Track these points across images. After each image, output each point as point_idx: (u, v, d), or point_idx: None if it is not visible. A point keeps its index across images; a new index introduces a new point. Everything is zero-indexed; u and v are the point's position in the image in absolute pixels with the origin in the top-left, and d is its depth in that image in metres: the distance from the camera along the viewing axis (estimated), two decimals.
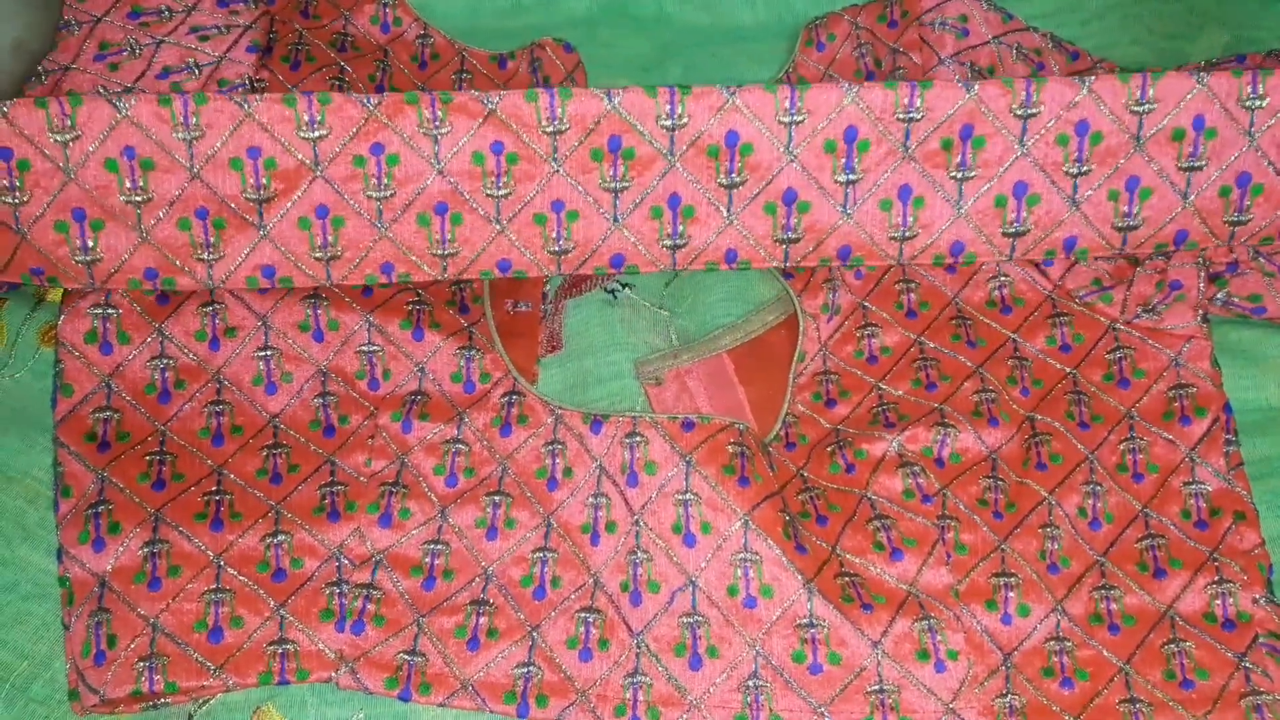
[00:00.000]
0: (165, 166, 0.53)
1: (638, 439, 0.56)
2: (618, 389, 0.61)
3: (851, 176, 0.55)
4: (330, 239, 0.55)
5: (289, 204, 0.54)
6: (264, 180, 0.53)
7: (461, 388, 0.58)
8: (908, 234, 0.57)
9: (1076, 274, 0.62)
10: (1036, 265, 0.62)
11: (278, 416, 0.58)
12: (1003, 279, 0.63)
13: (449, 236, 0.55)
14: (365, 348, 0.59)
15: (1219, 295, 0.60)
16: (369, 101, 0.53)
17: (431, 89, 0.69)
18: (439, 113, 0.53)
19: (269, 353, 0.58)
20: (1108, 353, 0.61)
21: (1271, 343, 0.62)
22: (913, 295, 0.63)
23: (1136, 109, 0.55)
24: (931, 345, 0.61)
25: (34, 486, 0.56)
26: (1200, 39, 0.74)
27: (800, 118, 0.54)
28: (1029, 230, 0.57)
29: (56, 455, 0.55)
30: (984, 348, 0.61)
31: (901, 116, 0.54)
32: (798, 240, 0.57)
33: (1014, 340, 0.61)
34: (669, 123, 0.54)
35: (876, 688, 0.52)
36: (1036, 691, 0.52)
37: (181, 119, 0.53)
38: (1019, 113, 0.55)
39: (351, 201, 0.54)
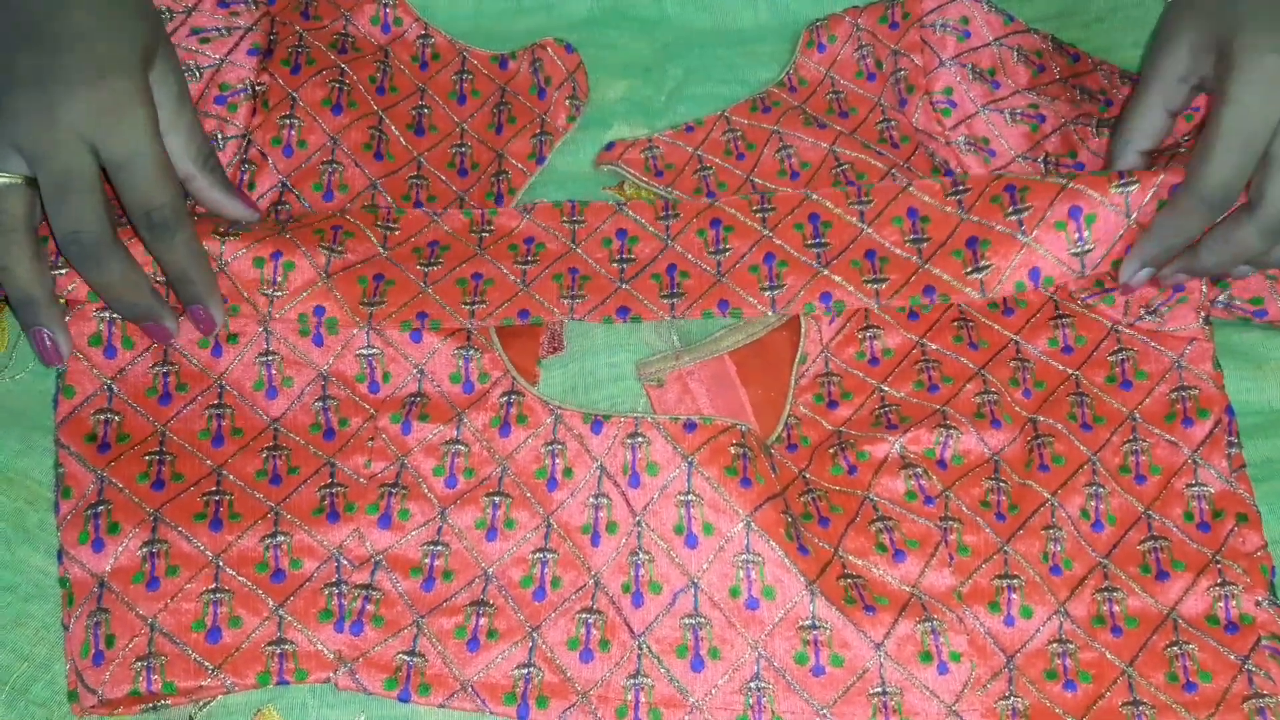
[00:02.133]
0: None
1: (639, 439, 0.56)
2: (619, 390, 0.61)
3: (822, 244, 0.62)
4: (381, 292, 0.59)
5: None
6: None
7: (460, 388, 0.58)
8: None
9: None
10: None
11: (278, 420, 0.57)
12: None
13: (480, 294, 0.60)
14: (365, 351, 0.58)
15: (1221, 297, 0.60)
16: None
17: (432, 90, 0.69)
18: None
19: (270, 358, 0.58)
20: (1110, 354, 0.61)
21: (1273, 345, 0.62)
22: None
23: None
24: (933, 347, 0.61)
25: (34, 488, 0.56)
26: None
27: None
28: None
29: (57, 456, 0.55)
30: (986, 349, 0.61)
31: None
32: (782, 290, 0.61)
33: (1016, 342, 0.61)
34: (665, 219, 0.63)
35: (879, 690, 0.52)
36: (1039, 694, 0.52)
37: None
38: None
39: (409, 274, 0.60)
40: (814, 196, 0.62)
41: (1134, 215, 0.57)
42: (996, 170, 0.66)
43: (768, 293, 0.60)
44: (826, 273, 0.61)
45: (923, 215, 0.61)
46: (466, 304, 0.59)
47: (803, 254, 0.61)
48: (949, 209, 0.61)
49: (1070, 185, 0.58)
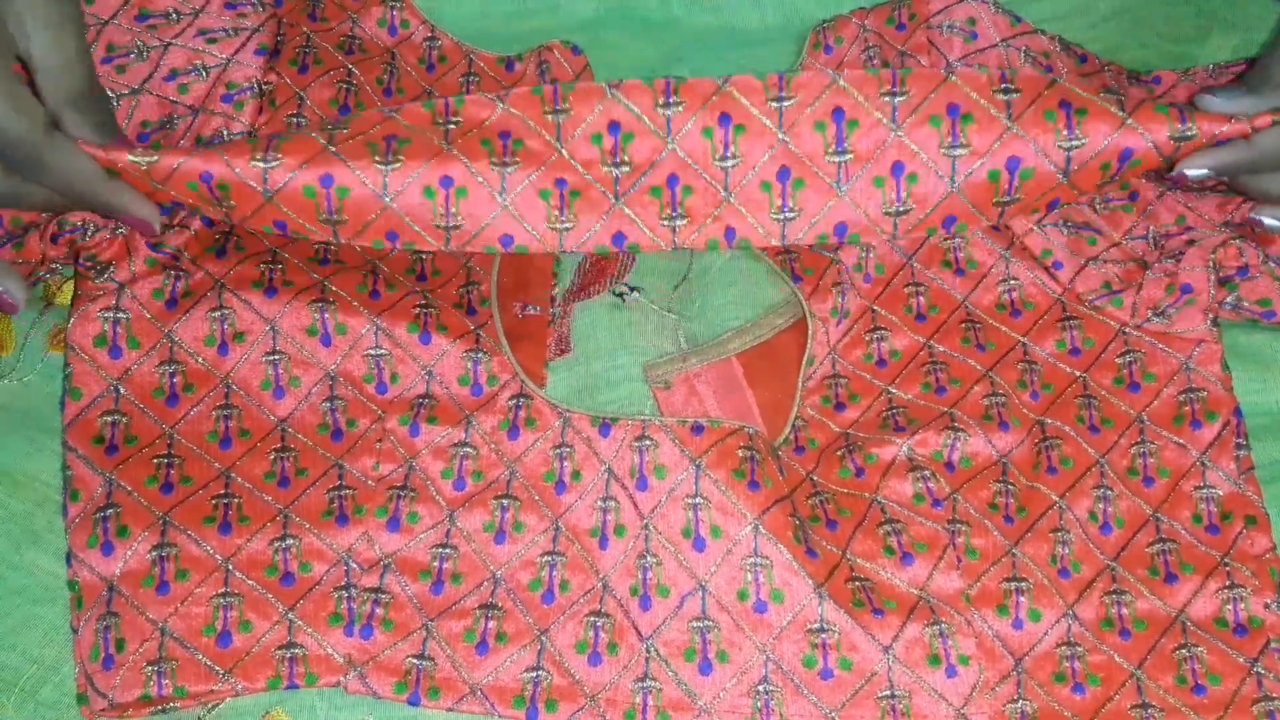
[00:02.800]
0: None
1: (647, 442, 0.56)
2: (626, 392, 0.61)
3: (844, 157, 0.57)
4: (335, 206, 0.55)
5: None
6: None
7: (469, 390, 0.58)
8: (902, 209, 0.57)
9: (1086, 277, 0.62)
10: (1046, 269, 0.62)
11: (285, 421, 0.57)
12: (1012, 282, 0.63)
13: (453, 209, 0.56)
14: (373, 351, 0.58)
15: (1229, 299, 0.60)
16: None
17: (438, 92, 0.69)
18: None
19: (277, 357, 0.58)
20: (1118, 356, 0.61)
21: None
22: (922, 299, 0.63)
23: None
24: (941, 349, 0.61)
25: (42, 490, 0.56)
26: (1209, 42, 0.74)
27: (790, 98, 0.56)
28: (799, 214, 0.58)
29: (65, 459, 0.55)
30: (993, 351, 0.61)
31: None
32: (795, 218, 0.57)
33: (1024, 344, 0.61)
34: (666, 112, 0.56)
35: (887, 693, 0.52)
36: (1048, 697, 0.52)
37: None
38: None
39: (358, 172, 0.55)
40: (841, 82, 0.55)
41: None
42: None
43: (778, 219, 0.57)
44: (845, 196, 0.56)
45: (964, 112, 0.56)
46: (440, 225, 0.56)
47: (822, 168, 0.56)
48: (996, 110, 0.56)
49: (1128, 123, 0.55)
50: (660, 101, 0.56)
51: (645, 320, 0.63)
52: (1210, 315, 0.60)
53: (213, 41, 0.63)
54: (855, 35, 0.71)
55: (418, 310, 0.59)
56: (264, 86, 0.63)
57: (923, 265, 0.64)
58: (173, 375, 0.57)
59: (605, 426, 0.57)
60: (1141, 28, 0.74)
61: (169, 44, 0.62)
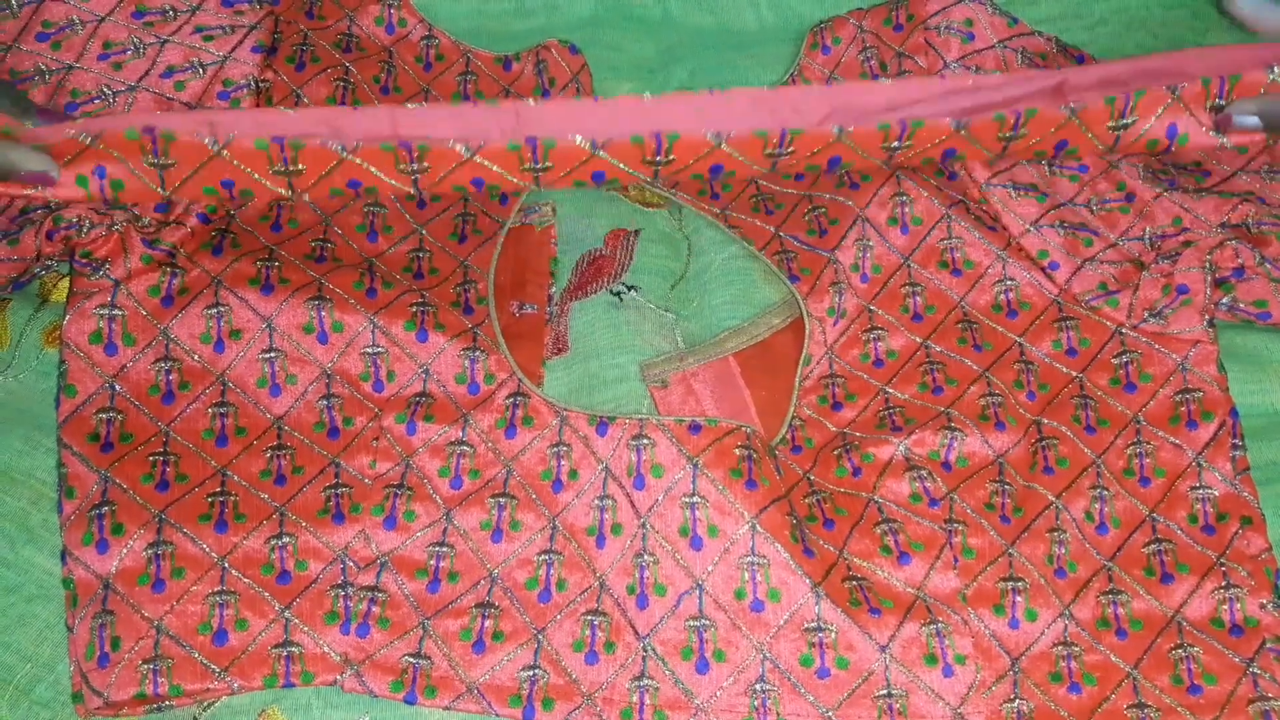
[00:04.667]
0: None
1: (644, 441, 0.56)
2: (623, 391, 0.60)
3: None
4: (290, 157, 0.52)
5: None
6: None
7: (466, 389, 0.58)
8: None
9: (1083, 278, 0.62)
10: (1042, 269, 0.62)
11: (282, 419, 0.57)
12: (1008, 283, 0.63)
13: (417, 157, 0.52)
14: (369, 349, 0.58)
15: (1225, 300, 0.60)
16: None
17: (436, 90, 0.69)
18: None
19: (273, 355, 0.58)
20: (1114, 357, 0.61)
21: (1277, 347, 0.62)
22: (918, 299, 0.63)
23: None
24: (938, 349, 0.61)
25: (37, 488, 0.55)
26: (1205, 42, 0.74)
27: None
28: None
29: (60, 456, 0.55)
30: (990, 351, 0.61)
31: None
32: (790, 154, 0.54)
33: (1020, 344, 0.61)
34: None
35: (884, 692, 0.52)
36: (1044, 696, 0.52)
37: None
38: None
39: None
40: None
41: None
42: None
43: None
44: (845, 140, 0.53)
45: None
46: (406, 170, 0.52)
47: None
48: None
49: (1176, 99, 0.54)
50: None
51: (643, 319, 0.63)
52: (1206, 316, 0.60)
53: (209, 39, 0.63)
54: (853, 35, 0.71)
55: (415, 308, 0.59)
56: (261, 84, 0.63)
57: (920, 265, 0.64)
58: (169, 373, 0.57)
59: (603, 425, 0.57)
60: (1138, 29, 0.74)
61: (166, 41, 0.62)
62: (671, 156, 0.52)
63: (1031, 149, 0.56)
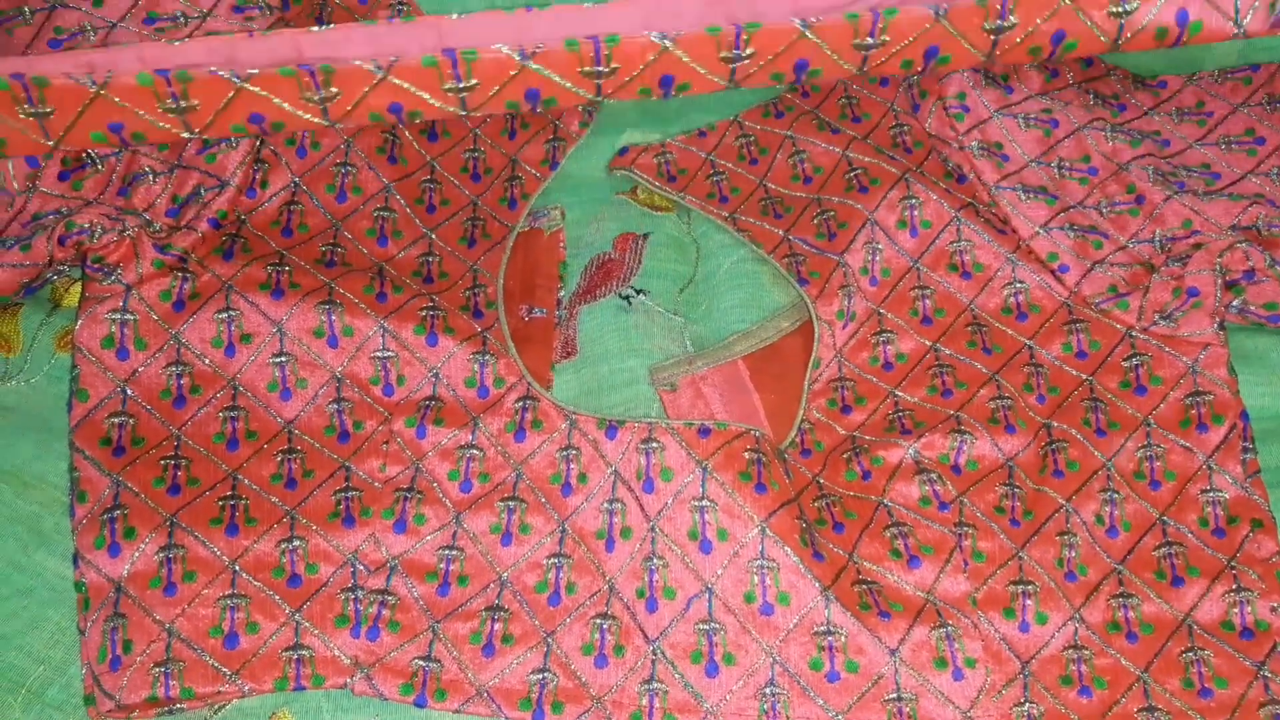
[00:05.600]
0: None
1: (654, 445, 0.56)
2: (632, 395, 0.61)
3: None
4: (180, 91, 0.49)
5: None
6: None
7: (475, 393, 0.58)
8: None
9: (1093, 280, 0.62)
10: (1052, 272, 0.62)
11: (292, 423, 0.57)
12: (1018, 285, 0.63)
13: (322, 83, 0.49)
14: (379, 353, 0.58)
15: (1235, 302, 0.60)
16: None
17: None
18: None
19: (284, 359, 0.58)
20: (1124, 360, 0.61)
21: None
22: (928, 302, 0.63)
23: None
24: (947, 352, 0.61)
25: (50, 492, 0.56)
26: (1214, 47, 0.74)
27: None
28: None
29: (72, 460, 0.55)
30: (1000, 354, 0.61)
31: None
32: (751, 56, 0.51)
33: (1030, 347, 0.61)
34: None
35: (894, 696, 0.52)
36: (1054, 700, 0.52)
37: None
38: None
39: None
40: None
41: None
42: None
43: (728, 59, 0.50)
44: (810, 35, 0.50)
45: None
46: (313, 99, 0.49)
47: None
48: None
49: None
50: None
51: (651, 323, 0.63)
52: (1216, 319, 0.60)
53: None
54: None
55: (424, 313, 0.59)
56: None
57: (929, 268, 0.64)
58: (180, 377, 0.57)
59: (612, 429, 0.57)
60: None
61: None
62: (614, 65, 0.48)
63: (1025, 44, 0.51)
